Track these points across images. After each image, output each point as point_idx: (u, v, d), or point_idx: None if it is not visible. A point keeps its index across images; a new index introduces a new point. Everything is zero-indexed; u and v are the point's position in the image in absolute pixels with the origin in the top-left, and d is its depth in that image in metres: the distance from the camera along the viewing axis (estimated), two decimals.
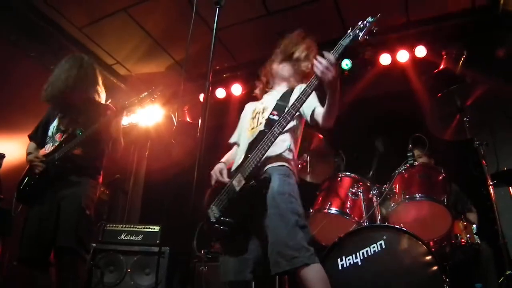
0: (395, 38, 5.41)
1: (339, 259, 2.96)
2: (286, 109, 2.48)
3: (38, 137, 3.48)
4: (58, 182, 3.15)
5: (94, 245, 4.37)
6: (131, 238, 4.63)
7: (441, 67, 5.15)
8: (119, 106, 3.46)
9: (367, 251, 2.92)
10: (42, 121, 3.56)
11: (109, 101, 3.65)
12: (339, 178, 3.50)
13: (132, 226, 4.73)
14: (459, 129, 3.71)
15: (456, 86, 3.64)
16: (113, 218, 6.04)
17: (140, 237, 4.63)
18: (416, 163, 3.42)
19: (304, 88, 2.45)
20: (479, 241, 3.55)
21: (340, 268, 2.94)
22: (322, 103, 2.60)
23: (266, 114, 2.74)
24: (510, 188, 3.78)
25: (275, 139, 2.42)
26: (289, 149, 2.67)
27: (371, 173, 3.73)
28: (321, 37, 2.68)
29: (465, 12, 5.25)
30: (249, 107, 3.05)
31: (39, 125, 3.56)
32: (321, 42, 3.00)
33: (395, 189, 3.33)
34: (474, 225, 3.64)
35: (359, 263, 2.90)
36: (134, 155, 6.74)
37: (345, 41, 2.46)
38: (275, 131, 2.42)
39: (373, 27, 2.49)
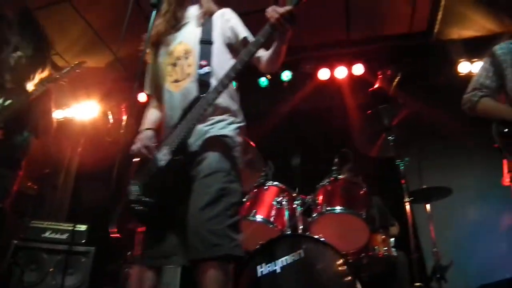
0: (335, 54, 5.63)
1: (258, 266, 2.99)
2: (229, 69, 2.11)
3: None
4: None
5: (15, 242, 4.17)
6: (56, 236, 4.45)
7: (376, 86, 5.39)
8: (41, 83, 3.29)
9: (286, 259, 2.97)
10: None
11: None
12: (266, 187, 3.56)
13: (58, 224, 4.55)
14: (385, 147, 3.90)
15: (384, 105, 3.83)
16: (39, 215, 5.78)
17: (65, 236, 4.46)
18: (340, 176, 3.54)
19: (257, 38, 2.11)
20: (396, 254, 3.72)
21: (259, 275, 2.97)
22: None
23: (193, 62, 2.30)
24: (427, 205, 4.01)
25: (208, 107, 2.10)
26: (236, 111, 2.31)
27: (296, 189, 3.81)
28: None
29: (403, 37, 5.55)
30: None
31: None
32: None
33: (318, 201, 3.43)
34: (392, 239, 3.81)
35: (278, 271, 2.95)
36: (66, 150, 6.51)
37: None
38: (209, 97, 2.09)
39: None
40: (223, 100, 2.22)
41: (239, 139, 2.24)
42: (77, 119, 6.24)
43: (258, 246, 3.08)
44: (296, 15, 2.02)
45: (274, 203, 3.44)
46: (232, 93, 2.35)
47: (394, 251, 3.71)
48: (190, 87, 2.25)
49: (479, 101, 2.73)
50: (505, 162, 2.69)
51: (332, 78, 5.63)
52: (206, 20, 2.43)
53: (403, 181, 3.66)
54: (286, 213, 3.35)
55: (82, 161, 6.46)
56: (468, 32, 5.41)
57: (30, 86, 3.28)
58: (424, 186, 4.00)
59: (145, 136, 2.36)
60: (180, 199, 2.11)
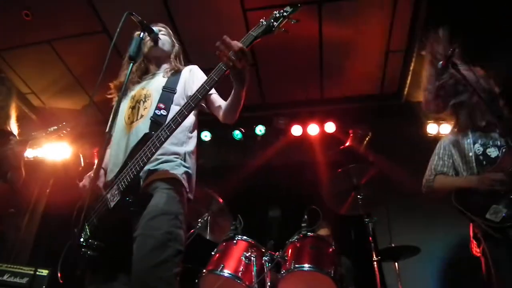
0: (307, 111, 5.81)
1: None
2: (183, 106, 2.05)
3: None
4: None
5: None
6: (15, 280, 4.27)
7: (347, 144, 5.54)
8: (24, 137, 3.34)
9: None
10: None
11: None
12: (235, 241, 3.52)
13: (18, 267, 4.38)
14: (354, 205, 3.96)
15: (353, 165, 3.93)
16: None
17: (25, 280, 4.29)
18: (309, 233, 3.55)
19: (210, 76, 2.06)
20: None
21: None
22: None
23: (150, 105, 2.33)
24: (396, 263, 4.05)
25: (160, 145, 2.00)
26: (185, 156, 2.26)
27: (272, 241, 3.82)
28: None
29: (374, 97, 5.78)
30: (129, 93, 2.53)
31: None
32: None
33: (287, 257, 3.42)
34: None
35: None
36: (34, 191, 6.34)
37: (256, 31, 2.08)
38: (161, 135, 2.00)
39: (291, 19, 2.08)
40: (175, 140, 2.22)
41: (186, 184, 2.19)
42: (48, 159, 6.14)
43: None
44: (248, 58, 2.01)
45: (243, 258, 3.39)
46: (185, 136, 2.34)
47: None
48: (141, 126, 2.26)
49: (434, 179, 2.99)
50: (471, 225, 2.83)
51: (304, 135, 5.78)
52: (173, 73, 2.52)
53: (370, 238, 3.71)
54: (254, 268, 3.32)
55: (50, 202, 6.30)
56: None
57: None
58: (393, 245, 4.05)
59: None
60: (128, 241, 1.98)
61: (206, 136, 5.97)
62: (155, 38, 2.53)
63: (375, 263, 3.61)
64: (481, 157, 2.85)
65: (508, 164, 2.68)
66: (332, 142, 5.73)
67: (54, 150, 6.04)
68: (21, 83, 5.77)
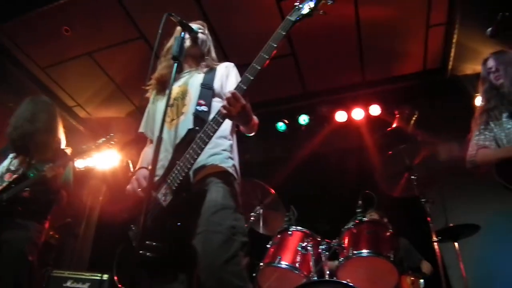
0: (351, 96, 5.70)
1: None
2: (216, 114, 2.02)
3: None
4: (2, 224, 3.06)
5: None
6: (77, 286, 4.42)
7: (394, 125, 5.40)
8: (75, 152, 3.44)
9: None
10: None
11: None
12: (289, 232, 3.49)
13: (79, 273, 4.55)
14: (408, 186, 3.87)
15: (404, 145, 3.83)
16: (60, 264, 5.78)
17: (87, 285, 4.43)
18: (364, 219, 3.48)
19: (214, 117, 2.02)
20: None
21: None
22: None
23: (189, 102, 2.33)
24: (456, 243, 3.90)
25: (209, 140, 2.00)
26: (230, 148, 2.28)
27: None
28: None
29: (417, 75, 5.60)
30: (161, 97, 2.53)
31: None
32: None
33: (344, 244, 3.37)
34: (422, 280, 3.69)
35: None
36: (87, 199, 6.56)
37: (293, 16, 2.02)
38: (209, 130, 2.00)
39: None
40: (220, 133, 2.19)
41: (237, 177, 2.22)
42: (98, 168, 6.32)
43: None
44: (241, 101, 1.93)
45: (299, 248, 3.37)
46: (228, 129, 2.35)
47: None
48: (183, 122, 2.26)
49: (477, 153, 2.95)
50: None
51: (349, 120, 5.70)
52: (209, 70, 2.51)
53: (429, 219, 3.61)
54: (312, 258, 3.29)
55: (104, 209, 6.50)
56: None
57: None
58: (451, 224, 3.91)
59: (140, 174, 2.32)
60: (186, 239, 2.00)
61: None
62: (194, 37, 2.53)
63: (435, 244, 3.50)
64: None
65: None
66: (379, 124, 5.61)
67: (103, 159, 6.20)
68: (66, 97, 5.96)
